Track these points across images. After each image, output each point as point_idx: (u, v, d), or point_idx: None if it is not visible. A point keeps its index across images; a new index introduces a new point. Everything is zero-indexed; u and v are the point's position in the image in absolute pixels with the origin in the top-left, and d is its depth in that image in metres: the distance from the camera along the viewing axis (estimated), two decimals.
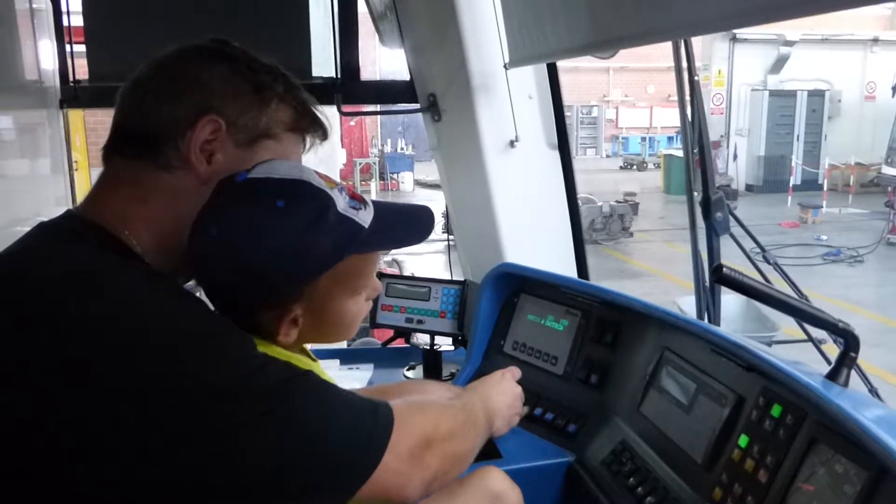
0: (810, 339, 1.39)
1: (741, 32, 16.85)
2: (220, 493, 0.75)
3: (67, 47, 1.94)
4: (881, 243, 11.18)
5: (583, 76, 21.15)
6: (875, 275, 10.09)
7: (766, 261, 1.57)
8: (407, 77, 2.06)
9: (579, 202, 1.99)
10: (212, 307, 0.89)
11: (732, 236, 1.62)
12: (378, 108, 2.78)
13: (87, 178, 6.36)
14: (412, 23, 1.96)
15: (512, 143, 1.87)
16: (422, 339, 1.97)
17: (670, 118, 22.06)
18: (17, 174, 1.75)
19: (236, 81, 0.91)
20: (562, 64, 1.94)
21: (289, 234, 0.85)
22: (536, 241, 1.93)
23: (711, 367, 1.27)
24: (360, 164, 16.12)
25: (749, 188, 16.99)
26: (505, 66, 1.82)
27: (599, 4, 1.35)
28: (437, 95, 1.96)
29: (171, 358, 0.74)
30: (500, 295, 1.80)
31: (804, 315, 1.14)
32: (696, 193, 1.63)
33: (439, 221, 1.94)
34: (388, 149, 18.09)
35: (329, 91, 1.96)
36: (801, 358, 1.18)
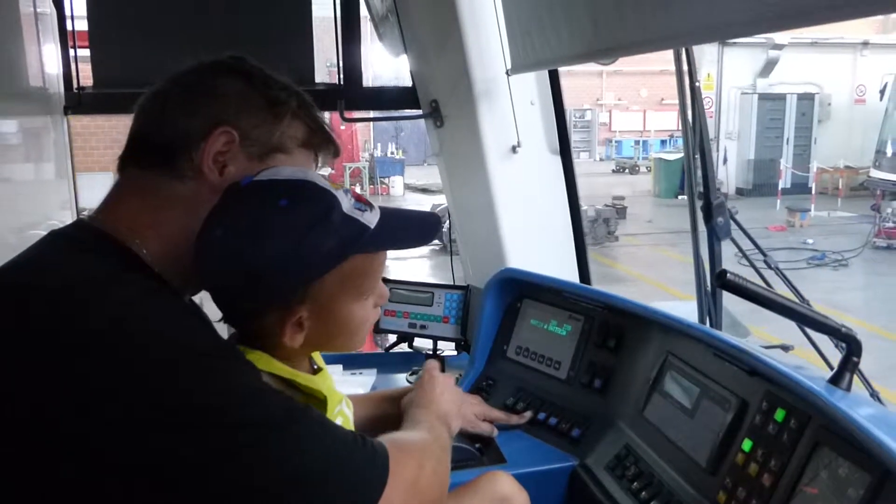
0: (813, 345, 1.41)
1: None
2: None
3: (71, 52, 1.94)
4: (866, 247, 11.27)
5: (576, 80, 21.22)
6: (859, 279, 10.13)
7: (768, 265, 1.59)
8: (408, 83, 2.07)
9: None
10: (216, 323, 0.89)
11: (734, 241, 1.64)
12: (374, 113, 2.79)
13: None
14: (414, 29, 1.97)
15: (514, 149, 1.89)
16: (425, 343, 1.98)
17: (664, 122, 22.19)
18: (22, 180, 1.75)
19: (251, 96, 0.93)
20: None
21: (292, 232, 0.84)
22: (539, 246, 1.94)
23: (714, 372, 1.29)
24: (350, 168, 16.12)
25: (739, 192, 17.08)
26: (507, 73, 1.84)
27: (601, 12, 1.36)
28: (440, 101, 1.97)
29: (163, 374, 0.73)
30: (503, 300, 1.81)
31: (807, 320, 1.16)
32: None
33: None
34: (378, 153, 18.10)
35: (332, 97, 1.98)
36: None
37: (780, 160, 16.69)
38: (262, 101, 0.94)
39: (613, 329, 1.58)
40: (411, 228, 0.99)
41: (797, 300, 1.28)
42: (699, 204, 1.67)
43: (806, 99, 17.52)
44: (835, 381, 1.11)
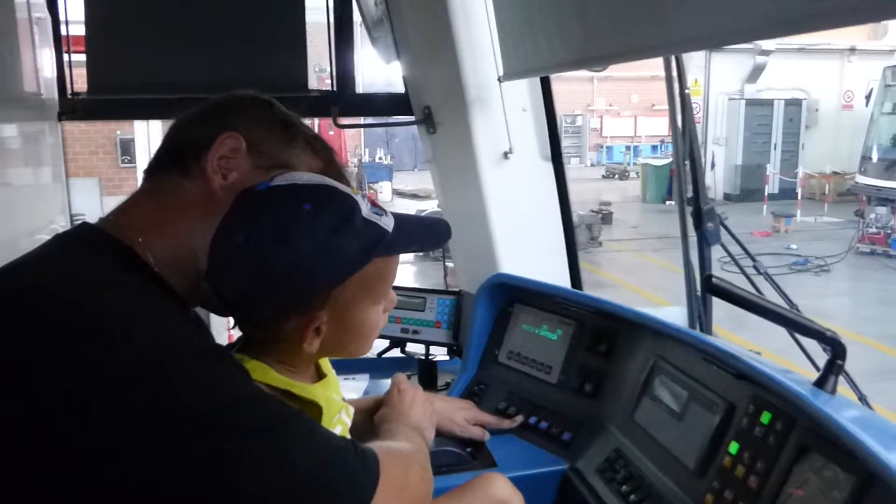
0: (802, 349, 1.43)
1: None
2: None
3: (66, 57, 1.94)
4: (850, 252, 11.36)
5: (567, 85, 21.30)
6: (839, 284, 10.22)
7: (757, 271, 1.62)
8: (401, 87, 2.09)
9: None
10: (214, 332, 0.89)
11: (723, 246, 1.66)
12: (366, 119, 2.80)
13: None
14: (407, 36, 1.99)
15: (506, 155, 1.90)
16: (417, 348, 1.99)
17: (655, 127, 22.32)
18: (16, 185, 1.74)
19: (267, 115, 0.97)
20: None
21: (316, 237, 0.84)
22: (530, 251, 1.96)
23: (703, 376, 1.31)
24: None
25: (727, 197, 17.19)
26: (499, 80, 1.86)
27: (592, 20, 1.38)
28: (432, 108, 1.99)
29: (154, 376, 0.73)
30: (495, 305, 1.83)
31: (792, 324, 1.18)
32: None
33: None
34: (366, 158, 18.12)
35: (325, 103, 1.99)
36: None
37: (767, 166, 16.82)
38: (277, 122, 0.97)
39: (604, 334, 1.60)
40: (425, 232, 1.01)
41: (784, 304, 1.30)
42: (689, 210, 1.70)
43: (793, 104, 17.67)
44: (820, 384, 1.13)
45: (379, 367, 2.04)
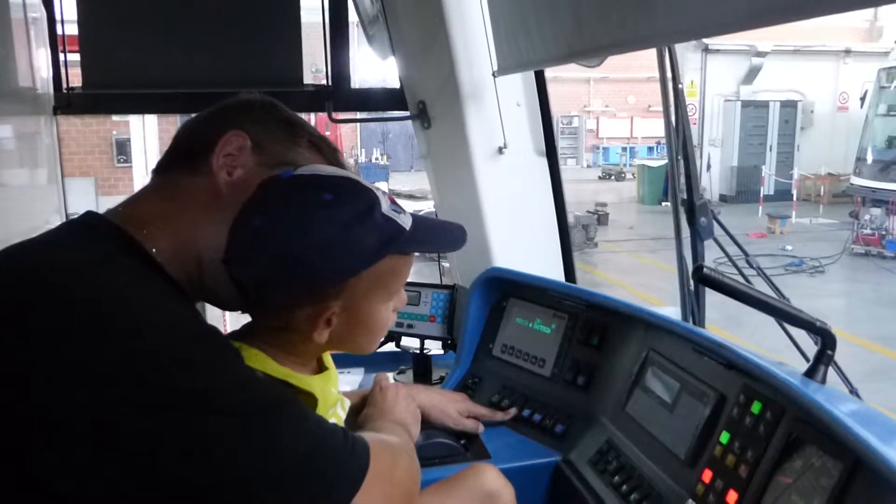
0: (791, 339, 1.44)
1: (713, 43, 17.15)
2: (184, 500, 0.75)
3: (62, 56, 1.94)
4: (844, 253, 11.41)
5: (564, 86, 21.31)
6: (834, 285, 10.24)
7: (750, 265, 1.63)
8: (396, 85, 2.09)
9: None
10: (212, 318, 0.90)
11: (717, 241, 1.67)
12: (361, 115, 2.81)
13: None
14: (402, 31, 1.99)
15: (500, 150, 1.91)
16: (411, 342, 2.00)
17: (651, 128, 22.34)
18: (10, 182, 1.74)
19: (273, 115, 1.00)
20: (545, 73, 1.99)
21: (335, 227, 0.86)
22: (524, 245, 1.97)
23: (694, 367, 1.32)
24: None
25: (723, 198, 17.25)
26: (493, 74, 1.86)
27: (585, 13, 1.39)
28: (427, 103, 2.00)
29: (147, 356, 0.74)
30: (489, 299, 1.83)
31: (783, 314, 1.19)
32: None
33: None
34: (362, 159, 18.12)
35: (320, 98, 2.00)
36: None
37: (762, 167, 16.88)
38: (282, 122, 1.00)
39: (597, 327, 1.61)
40: (442, 235, 1.03)
41: (775, 297, 1.31)
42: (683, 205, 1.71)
43: (789, 106, 17.74)
44: (810, 374, 1.15)
45: (374, 361, 2.04)
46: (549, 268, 1.98)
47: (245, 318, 1.00)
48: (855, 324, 7.92)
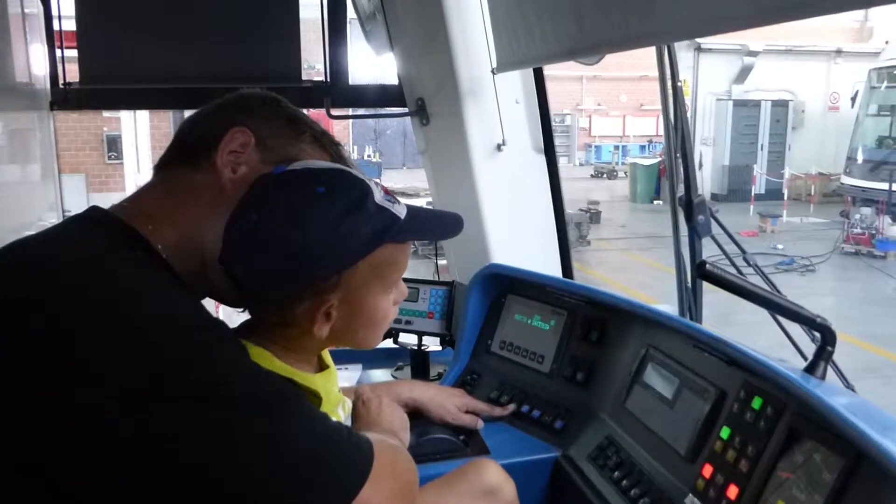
0: (787, 335, 1.46)
1: (705, 42, 17.23)
2: (189, 491, 0.75)
3: (58, 52, 1.93)
4: (835, 252, 11.48)
5: (557, 85, 21.33)
6: (824, 284, 10.30)
7: (748, 262, 1.64)
8: (395, 81, 2.09)
9: None
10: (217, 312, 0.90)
11: (714, 238, 1.68)
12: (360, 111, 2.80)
13: None
14: (401, 28, 1.99)
15: (499, 147, 1.91)
16: (409, 339, 2.00)
17: (643, 127, 22.42)
18: (5, 180, 1.73)
19: (275, 112, 1.01)
20: None
21: (329, 219, 0.86)
22: (523, 242, 1.97)
23: (694, 363, 1.32)
24: None
25: (714, 197, 17.30)
26: (492, 71, 1.86)
27: (586, 10, 1.39)
28: (426, 99, 2.00)
29: (152, 346, 0.74)
30: (488, 295, 1.83)
31: (784, 310, 1.20)
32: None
33: None
34: (355, 156, 18.10)
35: (318, 94, 1.99)
36: None
37: (754, 166, 16.97)
38: (285, 118, 1.01)
39: (596, 323, 1.61)
40: (437, 222, 1.03)
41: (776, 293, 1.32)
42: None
43: (780, 106, 17.83)
44: (810, 369, 1.15)
45: (372, 357, 2.04)
46: (547, 264, 1.98)
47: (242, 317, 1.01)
48: (845, 322, 7.96)
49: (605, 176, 21.52)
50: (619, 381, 1.50)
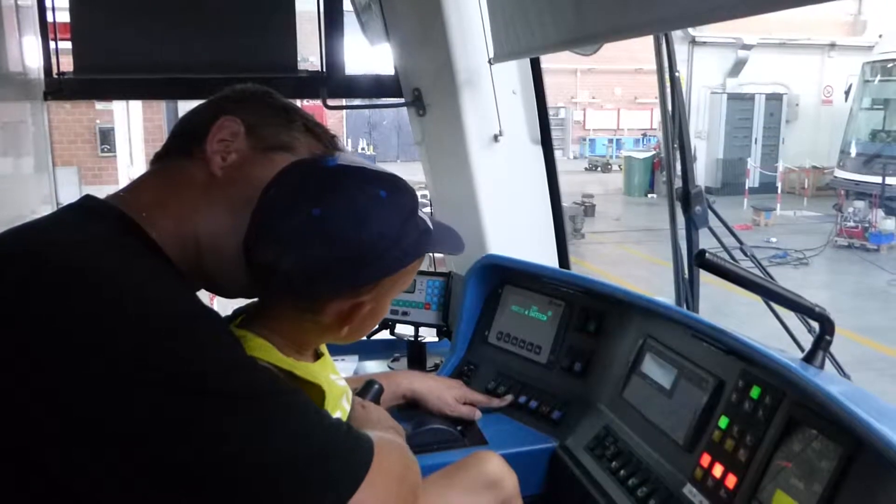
0: (783, 325, 1.46)
1: (700, 35, 17.23)
2: (181, 485, 0.73)
3: (52, 43, 1.91)
4: (828, 246, 11.53)
5: (551, 78, 21.10)
6: (818, 277, 10.38)
7: (745, 253, 1.64)
8: (391, 72, 2.08)
9: None
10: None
11: (711, 230, 1.69)
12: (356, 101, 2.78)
13: None
14: (397, 18, 1.98)
15: (496, 138, 1.91)
16: (406, 330, 1.99)
17: (638, 120, 22.44)
18: (0, 169, 1.71)
19: (267, 102, 1.02)
20: None
21: (394, 223, 0.88)
22: (519, 232, 1.97)
23: (692, 353, 1.32)
24: None
25: (708, 190, 17.28)
26: (489, 62, 1.86)
27: None
28: (422, 90, 1.99)
29: (144, 334, 0.73)
30: (485, 286, 1.83)
31: (782, 299, 1.20)
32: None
33: None
34: (349, 148, 18.07)
35: (314, 84, 1.98)
36: None
37: (748, 160, 17.00)
38: (275, 107, 1.02)
39: (593, 314, 1.61)
40: (451, 236, 1.04)
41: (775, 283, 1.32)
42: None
43: (774, 99, 17.88)
44: (808, 359, 1.15)
45: (368, 348, 2.03)
46: (543, 255, 1.98)
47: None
48: (838, 315, 7.92)
49: (599, 169, 21.54)
50: (616, 371, 1.50)
